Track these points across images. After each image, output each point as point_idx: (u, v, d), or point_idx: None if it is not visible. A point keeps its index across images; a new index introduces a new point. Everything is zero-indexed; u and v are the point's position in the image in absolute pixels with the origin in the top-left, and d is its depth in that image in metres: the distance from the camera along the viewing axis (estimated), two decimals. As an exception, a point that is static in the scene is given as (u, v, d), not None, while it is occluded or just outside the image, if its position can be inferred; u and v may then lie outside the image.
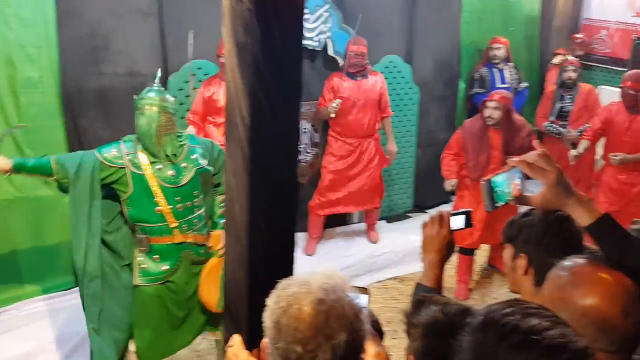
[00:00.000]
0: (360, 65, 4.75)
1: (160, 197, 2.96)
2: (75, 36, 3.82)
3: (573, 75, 5.47)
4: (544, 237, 1.65)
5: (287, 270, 1.76)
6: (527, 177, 1.47)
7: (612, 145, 4.71)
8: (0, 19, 3.55)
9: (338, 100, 4.66)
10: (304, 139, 5.23)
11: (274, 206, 1.67)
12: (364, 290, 1.50)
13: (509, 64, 5.85)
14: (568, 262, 1.36)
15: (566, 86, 5.49)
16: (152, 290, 3.08)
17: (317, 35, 4.90)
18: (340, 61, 5.06)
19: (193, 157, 3.07)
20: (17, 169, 2.84)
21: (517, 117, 4.46)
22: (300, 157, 5.21)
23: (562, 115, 5.55)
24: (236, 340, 1.71)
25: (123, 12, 3.96)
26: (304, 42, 4.79)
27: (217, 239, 3.10)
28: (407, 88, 5.54)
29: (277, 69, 1.60)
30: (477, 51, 6.05)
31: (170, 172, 2.99)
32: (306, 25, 4.82)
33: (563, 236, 1.65)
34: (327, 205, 4.98)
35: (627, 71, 5.55)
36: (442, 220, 1.76)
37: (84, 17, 3.85)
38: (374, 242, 5.23)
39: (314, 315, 1.12)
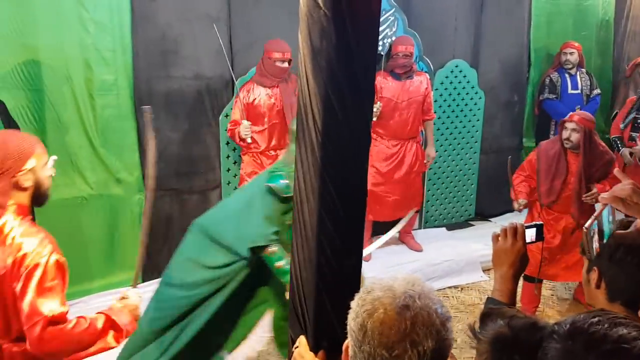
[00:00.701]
0: (409, 65, 4.64)
1: None
2: (148, 40, 3.96)
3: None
4: (616, 252, 1.60)
5: (354, 273, 1.76)
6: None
7: None
8: (78, 23, 3.71)
9: (378, 104, 4.56)
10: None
11: (343, 209, 1.67)
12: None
13: (581, 69, 5.66)
14: None
15: None
16: None
17: (382, 39, 4.89)
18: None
19: None
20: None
21: (599, 142, 3.98)
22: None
23: (636, 127, 5.23)
24: (302, 341, 1.72)
25: (192, 17, 4.07)
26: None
27: None
28: (472, 93, 5.44)
29: (351, 74, 1.60)
30: (548, 56, 5.87)
31: None
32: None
33: (637, 253, 1.60)
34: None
35: None
36: (516, 232, 1.72)
37: (156, 21, 3.98)
38: (419, 251, 5.08)
39: (400, 321, 1.12)
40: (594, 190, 3.84)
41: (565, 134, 3.93)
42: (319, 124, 1.62)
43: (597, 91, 5.71)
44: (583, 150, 3.86)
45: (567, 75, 5.63)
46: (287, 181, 2.77)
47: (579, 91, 5.64)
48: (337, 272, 1.70)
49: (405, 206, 4.92)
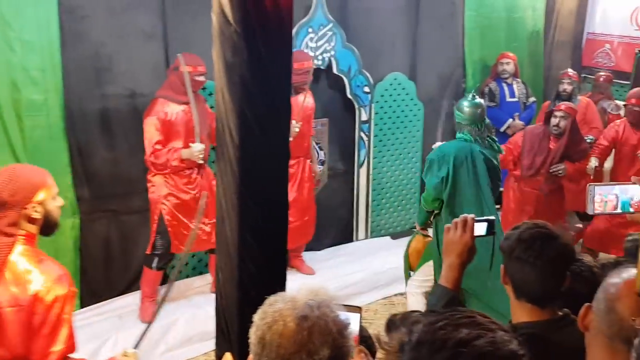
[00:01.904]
0: (307, 82, 4.53)
1: None
2: (79, 58, 3.87)
3: (568, 87, 5.55)
4: (514, 250, 1.67)
5: (278, 287, 1.76)
6: None
7: (623, 163, 4.79)
8: (4, 43, 3.59)
9: (298, 123, 4.37)
10: (310, 156, 5.25)
11: (265, 224, 1.68)
12: (356, 309, 1.50)
13: (516, 79, 5.89)
14: (622, 272, 1.36)
15: (561, 98, 5.47)
16: None
17: (321, 54, 4.94)
18: (345, 80, 5.10)
19: None
20: None
21: (579, 131, 4.73)
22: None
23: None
24: (227, 358, 1.71)
25: (126, 34, 4.02)
26: (308, 61, 4.89)
27: None
28: (411, 105, 5.55)
29: (266, 88, 1.62)
30: (483, 67, 6.06)
31: None
32: (310, 44, 4.86)
33: (538, 252, 1.66)
34: None
35: (630, 84, 5.57)
36: (466, 224, 1.78)
37: (88, 39, 3.90)
38: (311, 274, 4.85)
39: (298, 331, 1.13)
40: (563, 165, 4.52)
41: (554, 121, 4.56)
42: (236, 139, 1.63)
43: (532, 99, 5.95)
44: (568, 134, 4.52)
45: (504, 84, 5.84)
46: None
47: (516, 99, 5.86)
48: (261, 288, 1.70)
49: (305, 232, 4.79)
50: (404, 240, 5.52)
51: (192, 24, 4.25)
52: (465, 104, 3.74)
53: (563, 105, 4.66)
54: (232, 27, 1.56)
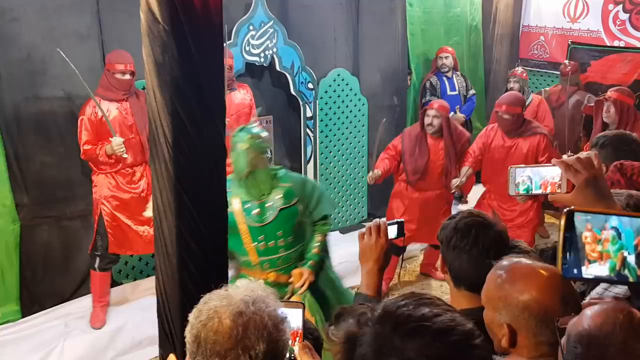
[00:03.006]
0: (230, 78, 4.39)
1: (244, 234, 2.94)
2: (11, 61, 3.75)
3: (515, 86, 5.61)
4: (451, 239, 1.72)
5: (219, 286, 1.76)
6: None
7: (493, 171, 4.49)
8: None
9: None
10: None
11: (203, 224, 1.67)
12: (298, 304, 1.51)
13: (456, 72, 6.02)
14: (504, 262, 1.43)
15: None
16: None
17: (263, 51, 4.94)
18: (289, 77, 5.11)
19: (278, 196, 3.01)
20: None
21: (456, 126, 4.65)
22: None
23: None
24: (171, 359, 1.70)
25: (60, 36, 3.90)
26: (250, 58, 4.88)
27: (298, 277, 3.04)
28: (355, 100, 5.61)
29: (198, 86, 1.62)
30: (425, 61, 6.18)
31: (255, 211, 2.95)
32: (252, 41, 4.85)
33: (474, 240, 1.71)
34: None
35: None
36: (380, 229, 1.79)
37: (20, 42, 3.78)
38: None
39: (233, 328, 1.14)
40: (458, 182, 4.45)
41: (427, 120, 4.46)
42: (170, 138, 1.61)
43: (472, 91, 6.10)
44: (447, 133, 4.44)
45: (444, 78, 5.96)
46: None
47: (456, 92, 5.99)
48: (202, 287, 1.70)
49: None
50: (353, 234, 5.61)
51: (128, 24, 4.17)
52: None
53: (436, 103, 4.53)
54: (160, 25, 1.54)
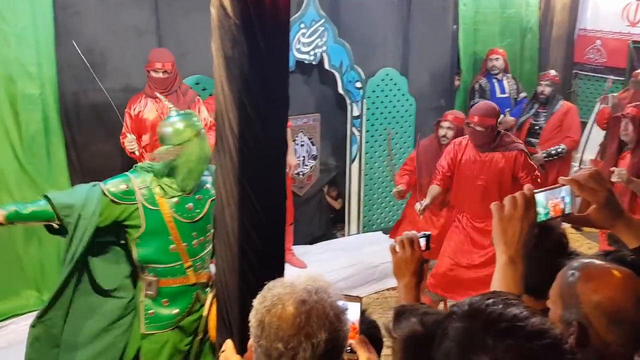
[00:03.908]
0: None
1: (175, 234, 2.66)
2: (73, 54, 3.89)
3: (546, 90, 5.36)
4: None
5: (277, 275, 1.79)
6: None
7: (463, 189, 4.02)
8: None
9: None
10: (302, 151, 5.29)
11: (264, 213, 1.72)
12: (356, 298, 1.53)
13: (507, 74, 5.93)
14: (576, 262, 1.41)
15: (539, 101, 5.40)
16: (162, 337, 2.77)
17: (313, 49, 4.98)
18: (337, 75, 5.13)
19: (206, 187, 2.78)
20: (12, 219, 2.49)
21: None
22: (299, 169, 5.27)
23: (534, 133, 5.49)
24: (228, 345, 1.74)
25: (119, 30, 4.04)
26: (300, 56, 4.92)
27: None
28: (403, 100, 5.60)
29: (264, 80, 1.66)
30: (476, 63, 6.11)
31: (189, 206, 2.70)
32: (302, 39, 4.89)
33: (535, 244, 1.70)
34: None
35: (623, 80, 5.61)
36: (414, 242, 1.77)
37: (81, 34, 3.92)
38: (303, 267, 4.76)
39: (296, 315, 1.17)
40: None
41: (441, 132, 4.35)
42: (236, 131, 1.66)
43: (523, 94, 5.98)
44: None
45: (494, 80, 5.87)
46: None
47: (507, 95, 5.89)
48: (261, 276, 1.74)
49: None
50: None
51: (185, 20, 4.28)
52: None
53: (450, 115, 4.37)
54: (231, 20, 1.59)
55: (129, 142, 3.92)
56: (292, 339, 1.16)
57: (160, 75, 3.95)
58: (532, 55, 6.57)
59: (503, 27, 6.23)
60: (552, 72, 5.54)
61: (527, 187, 1.38)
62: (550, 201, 1.42)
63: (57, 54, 3.84)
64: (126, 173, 2.73)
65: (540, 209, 1.41)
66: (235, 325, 1.76)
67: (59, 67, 3.87)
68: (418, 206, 4.09)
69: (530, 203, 1.32)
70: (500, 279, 1.29)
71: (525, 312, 0.99)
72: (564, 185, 1.41)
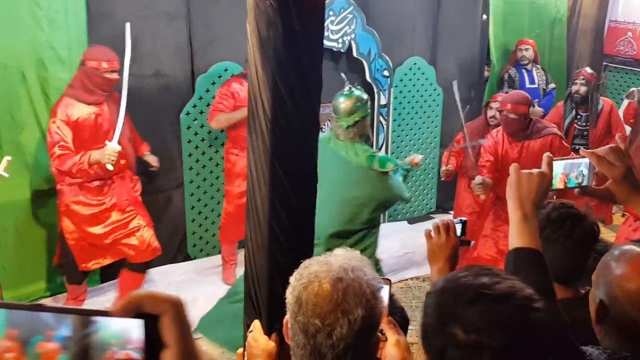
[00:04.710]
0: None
1: None
2: (105, 38, 3.92)
3: (582, 89, 5.03)
4: (543, 230, 1.68)
5: (306, 258, 1.80)
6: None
7: (505, 179, 4.10)
8: (32, 21, 3.65)
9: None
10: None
11: (294, 196, 1.72)
12: (386, 280, 1.54)
13: (536, 65, 5.85)
14: (619, 247, 1.43)
15: (575, 101, 5.09)
16: None
17: (341, 37, 4.96)
18: (365, 63, 5.11)
19: None
20: None
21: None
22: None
23: (579, 136, 5.17)
24: (256, 325, 1.76)
25: (150, 15, 4.06)
26: (329, 43, 4.91)
27: None
28: (431, 90, 5.56)
29: (298, 62, 1.65)
30: (506, 53, 6.03)
31: None
32: (331, 27, 4.88)
33: (568, 232, 1.69)
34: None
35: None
36: (449, 228, 1.78)
37: (113, 19, 3.95)
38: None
39: (333, 292, 1.18)
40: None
41: (490, 113, 4.48)
42: (269, 112, 1.66)
43: (552, 85, 5.90)
44: None
45: (524, 70, 5.80)
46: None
47: (536, 86, 5.82)
48: (290, 257, 1.75)
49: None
50: (421, 225, 5.58)
51: (215, 6, 4.29)
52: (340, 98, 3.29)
53: (499, 97, 4.46)
54: (267, 1, 1.59)
55: (112, 153, 3.41)
56: (330, 315, 1.17)
57: (116, 75, 3.60)
58: (561, 47, 6.46)
59: (532, 18, 6.14)
60: (588, 70, 5.15)
61: (546, 154, 1.44)
62: (570, 172, 1.45)
63: (89, 38, 3.88)
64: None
65: (559, 177, 1.44)
66: (263, 306, 1.77)
67: (90, 52, 3.90)
68: (442, 168, 4.53)
69: (548, 166, 1.39)
70: (517, 234, 1.32)
71: (495, 279, 1.01)
72: (584, 157, 1.43)
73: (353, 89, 3.31)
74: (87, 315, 0.56)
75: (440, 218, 4.99)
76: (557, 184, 1.49)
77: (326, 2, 4.79)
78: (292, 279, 1.26)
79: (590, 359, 1.32)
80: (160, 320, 0.56)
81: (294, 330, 1.22)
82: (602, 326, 1.42)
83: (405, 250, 5.13)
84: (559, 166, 1.47)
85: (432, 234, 1.81)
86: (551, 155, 1.43)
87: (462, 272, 1.06)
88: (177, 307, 0.58)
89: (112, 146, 3.40)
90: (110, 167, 3.42)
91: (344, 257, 1.27)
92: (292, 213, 1.73)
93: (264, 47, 1.62)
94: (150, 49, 4.09)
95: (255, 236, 1.77)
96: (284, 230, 1.72)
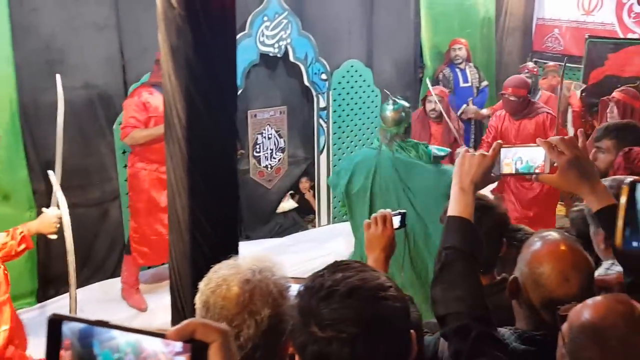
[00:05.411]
0: None
1: None
2: (30, 51, 3.84)
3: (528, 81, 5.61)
4: None
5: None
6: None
7: None
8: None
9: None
10: (269, 144, 5.31)
11: (215, 203, 1.73)
12: (304, 280, 1.57)
13: (469, 64, 6.02)
14: (540, 233, 1.55)
15: None
16: None
17: (277, 42, 4.99)
18: (302, 67, 5.15)
19: None
20: None
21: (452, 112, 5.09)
22: (267, 162, 5.29)
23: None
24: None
25: (78, 26, 3.99)
26: (265, 49, 4.93)
27: None
28: (369, 91, 5.65)
29: (211, 70, 1.67)
30: (438, 54, 6.19)
31: None
32: (266, 32, 4.90)
33: (476, 222, 1.76)
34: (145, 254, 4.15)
35: (580, 68, 5.77)
36: (386, 219, 1.84)
37: (38, 32, 3.86)
38: (142, 309, 4.18)
39: (240, 294, 1.20)
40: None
41: (429, 106, 4.89)
42: (184, 120, 1.67)
43: (485, 83, 6.09)
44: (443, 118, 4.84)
45: (457, 70, 5.97)
46: None
47: (469, 84, 5.99)
48: (213, 264, 1.75)
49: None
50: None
51: (145, 14, 4.23)
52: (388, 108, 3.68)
53: (436, 89, 4.95)
54: (175, 10, 1.60)
55: (55, 218, 3.07)
56: (236, 317, 1.19)
57: None
58: (490, 45, 6.69)
59: (462, 18, 6.34)
60: (530, 65, 5.85)
61: (497, 142, 1.54)
62: (526, 157, 1.53)
63: (14, 52, 3.77)
64: None
65: (511, 163, 1.52)
66: (189, 314, 1.77)
67: (16, 65, 3.80)
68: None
69: (493, 151, 1.50)
70: (452, 203, 1.46)
71: (348, 274, 1.04)
72: (538, 145, 1.49)
73: (397, 101, 3.70)
74: (146, 335, 0.64)
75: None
76: (504, 168, 1.56)
77: (260, 7, 4.83)
78: (200, 285, 1.27)
79: (503, 338, 1.39)
80: (209, 347, 0.63)
81: None
82: (516, 306, 1.51)
83: (352, 250, 5.17)
84: (507, 153, 1.55)
85: (371, 225, 1.85)
86: (502, 142, 1.54)
87: (323, 269, 1.09)
88: (225, 337, 0.65)
89: (53, 212, 3.00)
90: (54, 237, 3.03)
91: (253, 259, 1.29)
92: (214, 221, 1.74)
93: (175, 55, 1.63)
94: (78, 61, 4.01)
95: (178, 245, 1.78)
96: (206, 239, 1.73)
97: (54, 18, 3.92)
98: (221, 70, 1.68)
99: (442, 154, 3.68)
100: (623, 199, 1.02)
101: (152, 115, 3.87)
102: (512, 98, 4.55)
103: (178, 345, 0.64)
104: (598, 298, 1.24)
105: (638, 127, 2.97)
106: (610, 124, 3.04)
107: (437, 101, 4.83)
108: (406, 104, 3.74)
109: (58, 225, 3.03)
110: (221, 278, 1.24)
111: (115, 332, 0.65)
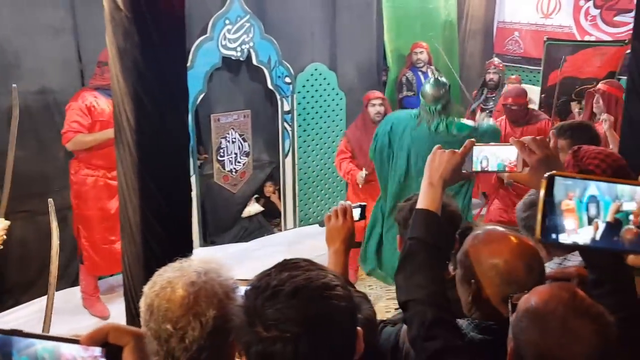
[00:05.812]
0: None
1: None
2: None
3: (494, 77, 5.91)
4: (408, 220, 1.79)
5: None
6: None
7: None
8: None
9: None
10: (234, 148, 5.28)
11: (167, 205, 1.72)
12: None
13: (431, 67, 6.10)
14: (481, 229, 1.56)
15: (488, 87, 5.89)
16: None
17: (239, 45, 4.97)
18: (266, 71, 5.15)
19: None
20: None
21: None
22: (231, 166, 5.26)
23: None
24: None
25: (32, 30, 3.91)
26: (227, 52, 4.91)
27: None
28: (333, 94, 5.67)
29: (160, 73, 1.66)
30: (400, 57, 6.25)
31: None
32: (228, 35, 4.88)
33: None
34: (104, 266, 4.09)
35: (539, 70, 5.91)
36: (346, 212, 1.86)
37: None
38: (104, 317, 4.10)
39: (185, 296, 1.19)
40: None
41: (374, 110, 4.76)
42: (133, 123, 1.66)
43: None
44: None
45: (420, 73, 6.04)
46: None
47: (432, 87, 6.08)
48: (167, 268, 1.74)
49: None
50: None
51: (103, 18, 4.18)
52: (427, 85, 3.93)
53: (377, 92, 4.98)
54: (122, 12, 1.58)
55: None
56: (181, 319, 1.18)
57: None
58: (452, 48, 6.78)
59: (424, 21, 6.41)
60: (496, 60, 6.07)
61: (469, 140, 1.58)
62: (498, 155, 1.55)
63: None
64: None
65: (482, 161, 1.56)
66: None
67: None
68: (362, 175, 4.58)
69: (464, 148, 1.55)
70: (421, 197, 1.51)
71: (294, 273, 1.05)
72: (511, 144, 1.52)
73: (439, 78, 3.91)
74: (59, 342, 0.65)
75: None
76: (475, 166, 1.58)
77: (222, 10, 4.81)
78: (145, 288, 1.26)
79: (461, 328, 1.41)
80: (122, 350, 0.65)
81: (147, 338, 1.22)
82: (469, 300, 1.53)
83: (317, 253, 5.13)
84: (480, 151, 1.57)
85: (331, 217, 1.87)
86: (474, 140, 1.58)
87: (270, 268, 1.09)
88: (138, 339, 0.67)
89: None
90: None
91: (199, 261, 1.28)
92: (165, 223, 1.72)
93: (123, 58, 1.62)
94: (33, 65, 3.92)
95: (129, 248, 1.75)
96: (158, 241, 1.72)
97: (8, 21, 3.83)
98: (170, 72, 1.67)
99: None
100: (542, 192, 1.05)
101: (98, 119, 3.79)
102: (513, 107, 4.74)
103: (97, 350, 0.66)
104: (546, 286, 1.28)
105: (592, 126, 3.07)
106: (565, 124, 3.12)
107: (380, 104, 4.77)
108: (445, 81, 3.95)
109: (4, 237, 2.83)
110: (166, 281, 1.23)
111: (33, 340, 0.66)
